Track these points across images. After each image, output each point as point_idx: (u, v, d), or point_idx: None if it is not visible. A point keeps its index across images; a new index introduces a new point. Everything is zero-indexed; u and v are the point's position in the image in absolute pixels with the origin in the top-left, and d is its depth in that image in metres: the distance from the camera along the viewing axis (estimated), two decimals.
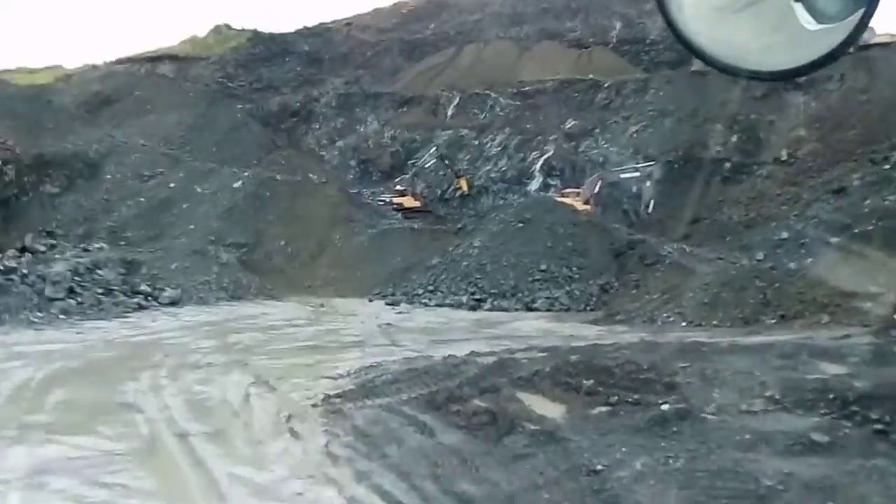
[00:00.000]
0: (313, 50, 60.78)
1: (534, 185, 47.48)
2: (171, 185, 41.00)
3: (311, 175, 43.94)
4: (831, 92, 41.65)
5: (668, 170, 42.66)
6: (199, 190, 40.15)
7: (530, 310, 27.84)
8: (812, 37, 1.46)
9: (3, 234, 32.03)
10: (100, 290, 25.75)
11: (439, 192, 50.49)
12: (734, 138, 43.10)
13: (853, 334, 16.05)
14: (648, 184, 38.62)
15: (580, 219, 32.93)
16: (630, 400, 9.26)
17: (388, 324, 22.67)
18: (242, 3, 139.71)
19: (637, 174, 39.69)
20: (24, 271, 24.86)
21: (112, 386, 12.85)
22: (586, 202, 39.99)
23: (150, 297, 26.96)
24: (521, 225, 32.40)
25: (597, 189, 40.45)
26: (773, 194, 37.97)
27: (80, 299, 24.49)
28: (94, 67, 59.76)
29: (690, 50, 1.60)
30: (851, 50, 1.51)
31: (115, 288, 26.53)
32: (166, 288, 28.06)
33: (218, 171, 42.19)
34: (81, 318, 22.63)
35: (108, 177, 41.61)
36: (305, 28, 64.22)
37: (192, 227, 36.77)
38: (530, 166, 48.40)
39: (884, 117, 37.33)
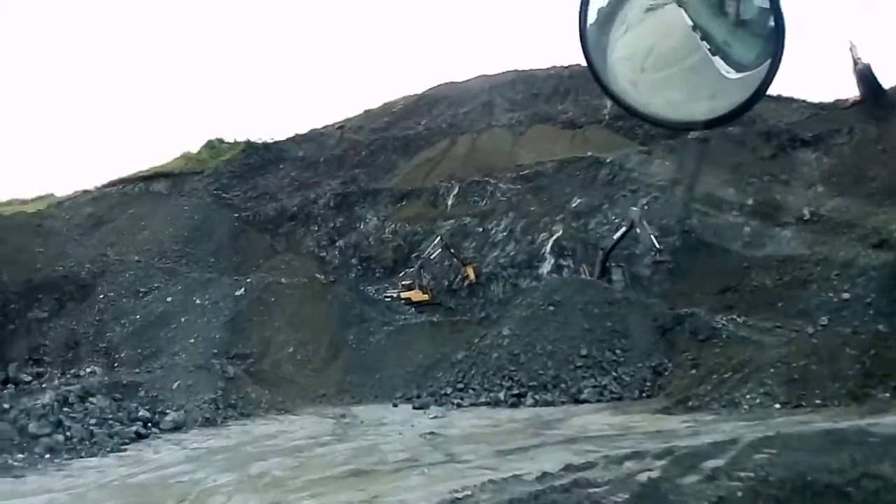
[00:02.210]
0: (307, 154, 59.39)
1: (545, 268, 44.77)
2: (168, 298, 37.87)
3: (317, 275, 41.08)
4: (842, 146, 40.07)
5: (685, 240, 40.31)
6: (198, 301, 36.99)
7: (578, 402, 24.40)
8: (733, 84, 1.58)
9: None
10: (92, 421, 22.11)
11: (446, 282, 47.82)
12: (750, 201, 41.01)
13: None
14: (639, 230, 35.42)
15: (615, 296, 30.00)
16: None
17: (432, 433, 19.11)
18: (234, 115, 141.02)
19: (623, 229, 36.90)
20: (6, 405, 21.35)
21: None
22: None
23: (150, 424, 23.27)
24: (552, 308, 29.33)
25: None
26: (805, 255, 35.30)
27: (69, 433, 20.79)
28: (86, 192, 57.63)
29: (631, 113, 1.70)
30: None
31: (110, 416, 22.89)
32: (168, 411, 24.45)
33: (217, 280, 39.25)
34: (70, 457, 18.95)
35: (101, 296, 38.47)
36: (298, 135, 63.12)
37: (191, 341, 33.40)
38: (540, 248, 45.87)
39: None
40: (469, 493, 10.56)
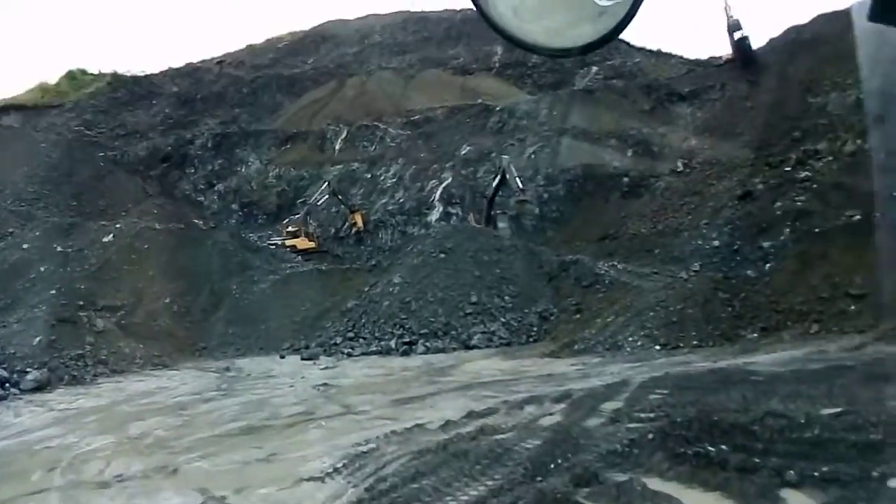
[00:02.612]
0: (183, 91, 55.23)
1: (434, 215, 44.74)
2: (25, 245, 34.40)
3: (195, 221, 38.70)
4: (715, 101, 42.27)
5: (569, 188, 41.53)
6: (59, 249, 33.83)
7: (468, 348, 24.66)
8: (606, 11, 1.64)
9: None
10: None
11: (333, 230, 46.75)
12: (629, 153, 42.62)
13: (865, 342, 14.20)
14: (507, 175, 36.01)
15: (504, 244, 30.34)
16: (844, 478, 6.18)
17: (325, 384, 18.59)
18: (99, 45, 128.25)
19: (498, 177, 37.21)
20: None
21: None
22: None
23: (8, 384, 21.15)
24: (442, 256, 29.27)
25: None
26: (677, 205, 37.24)
27: None
28: None
29: (512, 42, 1.72)
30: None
31: None
32: (29, 370, 22.34)
33: (81, 225, 36.05)
34: None
35: None
36: (172, 69, 58.47)
37: (52, 292, 30.60)
38: (429, 196, 45.69)
39: (769, 122, 37.92)
40: (373, 445, 10.22)
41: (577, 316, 24.19)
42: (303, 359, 25.74)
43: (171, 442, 12.95)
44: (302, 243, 42.58)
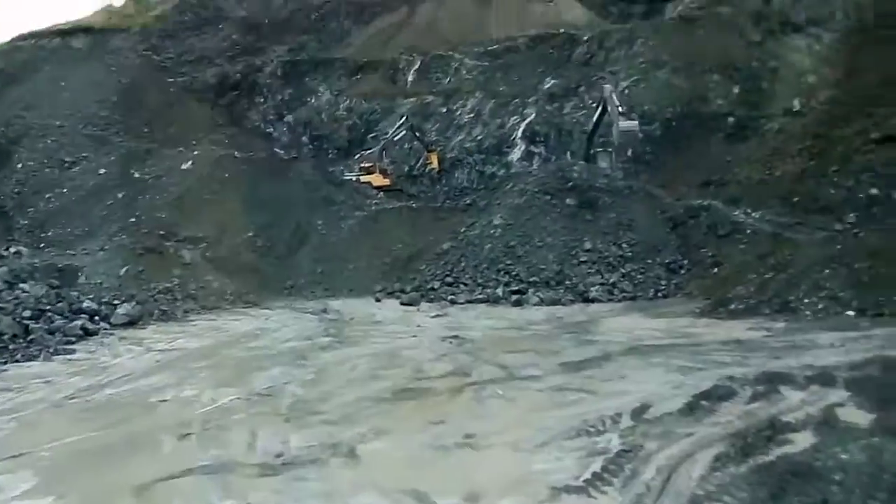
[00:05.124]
0: (250, 15, 51.98)
1: (516, 154, 41.40)
2: (101, 171, 32.46)
3: (278, 150, 36.24)
4: (836, 33, 37.47)
5: (666, 128, 37.53)
6: (137, 175, 31.81)
7: (587, 300, 21.88)
8: None
9: None
10: (26, 314, 17.85)
11: (407, 167, 43.90)
12: (736, 90, 38.23)
13: None
14: (609, 107, 30.82)
15: (617, 185, 27.14)
16: None
17: (455, 336, 16.08)
18: None
19: (599, 109, 32.60)
20: None
21: None
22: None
23: (97, 318, 19.18)
24: (548, 197, 26.28)
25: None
26: (794, 149, 33.16)
27: None
28: None
29: None
30: None
31: (48, 308, 18.61)
32: (117, 302, 20.34)
33: (158, 151, 33.88)
34: (3, 360, 14.87)
35: (20, 165, 32.64)
36: None
37: (132, 220, 28.66)
38: (510, 133, 42.29)
39: None
40: (614, 435, 7.61)
41: (716, 270, 21.11)
42: (402, 304, 23.34)
43: (315, 404, 10.54)
44: (377, 180, 40.04)
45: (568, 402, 9.77)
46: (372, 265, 27.01)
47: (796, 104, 35.47)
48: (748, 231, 22.18)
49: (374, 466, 7.60)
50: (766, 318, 16.10)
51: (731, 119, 36.55)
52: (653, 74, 40.08)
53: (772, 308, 16.79)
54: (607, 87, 32.90)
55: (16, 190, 31.25)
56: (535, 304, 21.75)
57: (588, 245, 24.14)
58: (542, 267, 23.57)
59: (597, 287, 22.47)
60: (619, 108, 30.14)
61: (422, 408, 10.02)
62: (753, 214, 24.30)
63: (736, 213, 24.04)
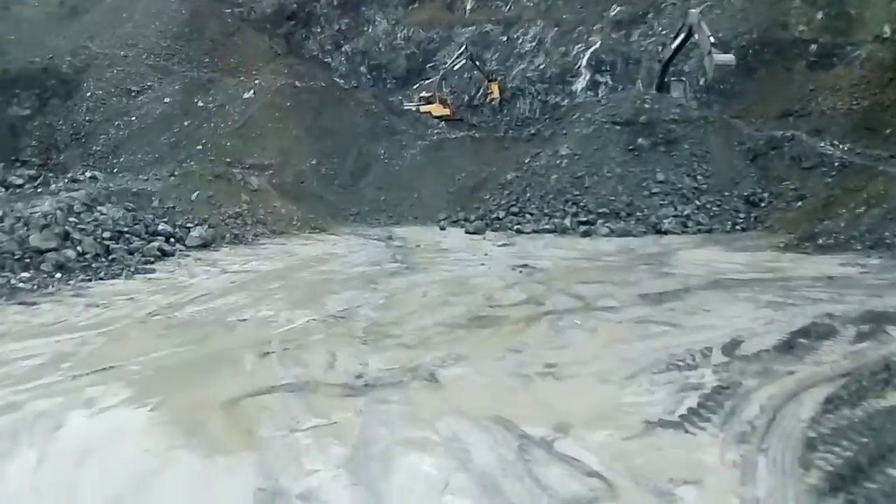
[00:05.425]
0: None
1: (580, 84, 39.88)
2: (166, 99, 32.64)
3: (338, 80, 35.77)
4: None
5: (743, 56, 35.16)
6: (200, 104, 31.89)
7: (659, 232, 21.11)
8: None
9: None
10: (106, 235, 18.22)
11: (467, 97, 42.88)
12: (819, 15, 35.39)
13: None
14: (697, 35, 28.75)
15: (691, 115, 25.72)
16: None
17: (525, 265, 15.70)
18: None
19: (682, 36, 30.24)
20: None
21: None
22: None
23: (172, 239, 19.54)
24: (617, 127, 25.15)
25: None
26: (884, 79, 30.69)
27: (79, 248, 16.98)
28: None
29: None
30: None
31: (126, 230, 18.96)
32: (190, 225, 20.66)
33: (220, 80, 33.80)
34: (88, 278, 15.18)
35: (88, 94, 33.07)
36: None
37: (199, 147, 28.89)
38: (574, 62, 40.58)
39: None
40: (708, 371, 7.16)
41: (800, 204, 19.91)
42: (467, 232, 23.02)
43: (390, 328, 10.37)
44: (437, 109, 39.30)
45: (652, 334, 9.30)
46: (436, 194, 26.66)
47: (886, 30, 32.74)
48: (836, 164, 20.74)
49: (457, 392, 7.36)
50: (858, 254, 15.11)
51: (813, 46, 34.07)
52: (727, 0, 37.56)
53: (864, 244, 15.74)
54: (694, 13, 30.65)
55: (87, 118, 31.79)
56: (604, 235, 21.11)
57: (660, 177, 23.13)
58: (612, 198, 22.76)
59: (670, 219, 21.62)
60: (711, 39, 28.18)
61: (498, 335, 9.72)
62: (841, 146, 22.71)
63: (822, 144, 22.48)
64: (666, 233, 20.79)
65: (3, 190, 20.22)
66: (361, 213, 26.22)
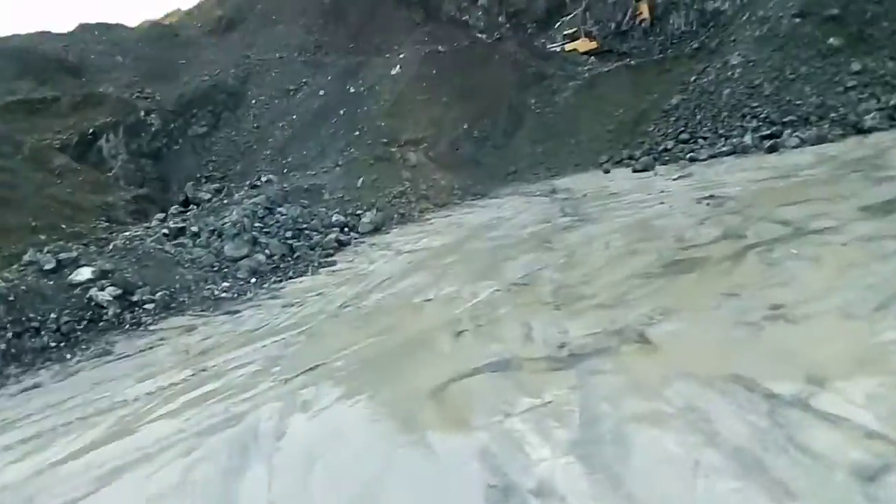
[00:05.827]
0: None
1: None
2: (321, 92, 33.99)
3: (479, 35, 35.15)
4: None
5: None
6: (352, 90, 32.82)
7: (861, 131, 18.26)
8: None
9: (162, 191, 26.73)
10: (288, 234, 19.36)
11: (613, 25, 40.17)
12: None
13: None
14: None
15: None
16: None
17: (711, 196, 14.28)
18: None
19: None
20: (194, 229, 18.88)
21: None
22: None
23: (346, 228, 20.34)
24: (797, 21, 22.02)
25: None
26: None
27: (267, 251, 18.16)
28: None
29: None
30: None
31: (304, 226, 20.03)
32: (359, 212, 21.34)
33: (367, 63, 34.54)
34: (279, 279, 16.16)
35: (253, 101, 35.34)
36: None
37: (357, 133, 29.75)
38: None
39: None
40: None
41: None
42: (634, 171, 21.54)
43: (580, 288, 9.75)
44: (583, 45, 37.34)
45: (891, 252, 7.84)
46: (594, 136, 25.29)
47: None
48: None
49: (676, 352, 6.61)
50: None
51: None
52: None
53: None
54: None
55: (255, 124, 34.03)
56: (794, 147, 18.67)
57: (856, 66, 19.97)
58: (798, 102, 20.07)
59: (872, 114, 18.61)
60: None
61: (704, 280, 8.73)
62: None
63: None
64: (870, 131, 17.90)
65: (195, 207, 22.09)
66: (519, 171, 25.59)
